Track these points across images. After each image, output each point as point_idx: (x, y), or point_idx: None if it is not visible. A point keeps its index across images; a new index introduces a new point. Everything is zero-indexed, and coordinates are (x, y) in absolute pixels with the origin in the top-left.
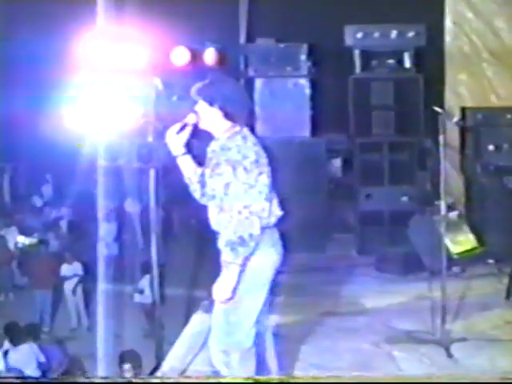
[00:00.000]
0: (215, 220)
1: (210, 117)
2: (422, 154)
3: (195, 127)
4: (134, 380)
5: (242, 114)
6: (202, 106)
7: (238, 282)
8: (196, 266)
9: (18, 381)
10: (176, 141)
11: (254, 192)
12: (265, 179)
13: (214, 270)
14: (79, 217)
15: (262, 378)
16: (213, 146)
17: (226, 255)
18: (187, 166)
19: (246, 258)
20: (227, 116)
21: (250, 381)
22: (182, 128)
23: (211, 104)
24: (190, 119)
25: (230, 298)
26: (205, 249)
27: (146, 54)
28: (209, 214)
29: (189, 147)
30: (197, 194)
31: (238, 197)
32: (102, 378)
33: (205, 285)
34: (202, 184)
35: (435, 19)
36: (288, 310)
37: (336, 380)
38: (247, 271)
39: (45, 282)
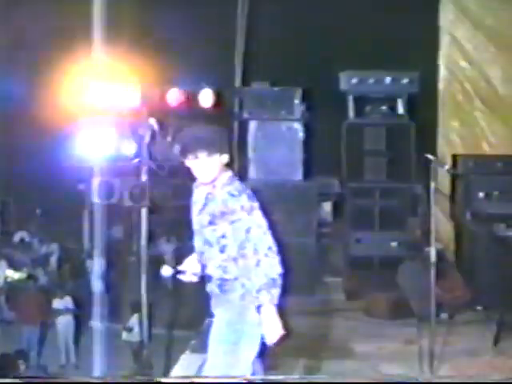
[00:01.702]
0: (217, 264)
1: (215, 165)
2: (412, 200)
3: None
4: (134, 380)
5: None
6: (212, 157)
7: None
8: (184, 306)
9: (19, 381)
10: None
11: (269, 234)
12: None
13: (201, 310)
14: (69, 253)
15: (257, 378)
16: (212, 194)
17: (262, 299)
18: None
19: (279, 297)
20: (228, 163)
21: (246, 381)
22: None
23: (222, 152)
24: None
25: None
26: (196, 290)
27: (141, 94)
28: (200, 258)
29: None
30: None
31: (261, 240)
32: (102, 378)
33: (192, 324)
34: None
35: (429, 66)
36: (276, 352)
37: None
38: None
39: (32, 317)
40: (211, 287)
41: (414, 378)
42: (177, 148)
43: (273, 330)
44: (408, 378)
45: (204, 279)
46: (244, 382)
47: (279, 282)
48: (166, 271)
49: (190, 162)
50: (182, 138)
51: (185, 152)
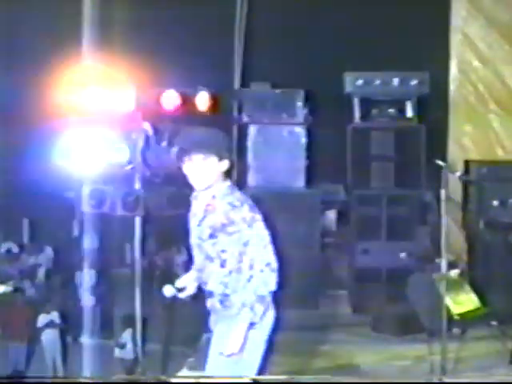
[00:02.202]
0: (220, 281)
1: (213, 170)
2: (422, 208)
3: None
4: (134, 380)
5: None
6: (209, 161)
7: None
8: (180, 322)
9: (18, 381)
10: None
11: (270, 248)
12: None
13: (199, 324)
14: (58, 264)
15: (261, 378)
16: (210, 204)
17: (244, 315)
18: None
19: (263, 314)
20: (228, 170)
21: (250, 381)
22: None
23: (221, 158)
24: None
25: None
26: (193, 303)
27: (134, 97)
28: (200, 274)
29: None
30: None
31: (259, 254)
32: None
33: (190, 341)
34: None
35: (439, 67)
36: (278, 370)
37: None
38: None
39: (19, 333)
40: (212, 303)
41: None
42: (173, 152)
43: (232, 346)
44: None
45: (203, 294)
46: (250, 382)
47: (268, 299)
48: (169, 291)
49: (185, 166)
50: (179, 141)
51: (180, 155)
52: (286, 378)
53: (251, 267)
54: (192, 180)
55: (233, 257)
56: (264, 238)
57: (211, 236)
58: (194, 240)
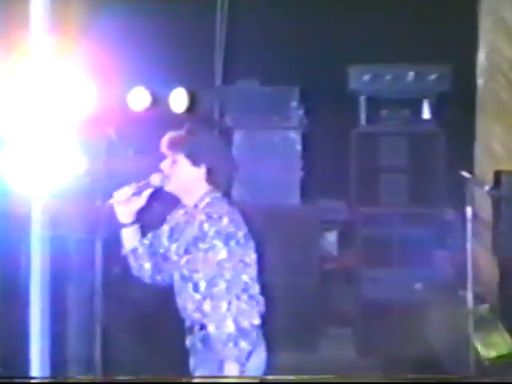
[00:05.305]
0: (196, 308)
1: (188, 178)
2: (442, 229)
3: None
4: (134, 380)
5: (227, 175)
6: (179, 164)
7: None
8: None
9: (19, 381)
10: (127, 207)
11: (250, 271)
12: (254, 256)
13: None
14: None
15: (269, 378)
16: (188, 214)
17: (228, 353)
18: (132, 238)
19: (249, 355)
20: (211, 178)
21: (257, 381)
22: (139, 192)
23: (195, 162)
24: (154, 181)
25: None
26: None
27: (94, 96)
28: (180, 302)
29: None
30: (144, 273)
31: (236, 277)
32: (102, 378)
33: None
34: (153, 258)
35: (464, 57)
36: None
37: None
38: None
39: None
40: (192, 342)
41: None
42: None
43: None
44: None
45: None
46: (257, 382)
47: (252, 335)
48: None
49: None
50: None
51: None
52: (294, 378)
53: (228, 293)
54: (180, 191)
55: (206, 279)
56: (244, 259)
57: (186, 252)
58: (172, 256)
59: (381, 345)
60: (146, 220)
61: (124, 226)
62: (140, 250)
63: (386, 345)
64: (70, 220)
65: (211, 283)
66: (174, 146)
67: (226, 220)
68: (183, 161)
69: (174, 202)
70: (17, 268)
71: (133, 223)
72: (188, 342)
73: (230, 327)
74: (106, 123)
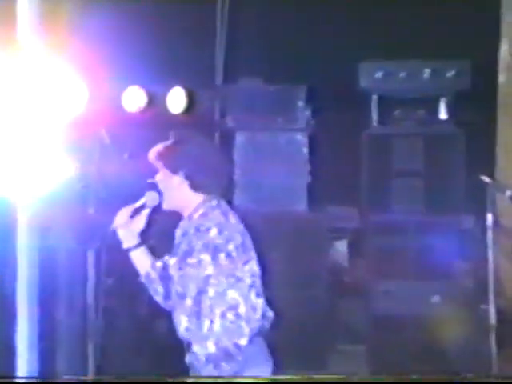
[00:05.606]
0: (185, 327)
1: (174, 189)
2: (461, 237)
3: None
4: (133, 380)
5: (218, 182)
6: (163, 175)
7: None
8: None
9: (19, 381)
10: (129, 229)
11: (242, 286)
12: (254, 268)
13: None
14: None
15: (279, 378)
16: (183, 228)
17: (208, 375)
18: (143, 261)
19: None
20: (196, 187)
21: (267, 380)
22: (138, 211)
23: (174, 171)
24: (150, 199)
25: None
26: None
27: (86, 96)
28: (175, 318)
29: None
30: (159, 297)
31: (222, 294)
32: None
33: None
34: (166, 281)
35: (485, 52)
36: None
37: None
38: None
39: None
40: (190, 360)
41: None
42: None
43: None
44: None
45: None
46: (266, 382)
47: (238, 357)
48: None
49: None
50: None
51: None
52: (304, 378)
53: (211, 311)
54: (175, 205)
55: (190, 296)
56: (231, 275)
57: (179, 268)
58: (171, 272)
59: (395, 362)
60: (156, 239)
61: (129, 249)
62: (153, 275)
63: (401, 363)
64: (61, 229)
65: (195, 301)
66: (156, 156)
67: (214, 231)
68: (164, 170)
69: (178, 214)
70: (2, 279)
71: (139, 245)
72: (187, 359)
73: (210, 348)
74: (99, 125)
